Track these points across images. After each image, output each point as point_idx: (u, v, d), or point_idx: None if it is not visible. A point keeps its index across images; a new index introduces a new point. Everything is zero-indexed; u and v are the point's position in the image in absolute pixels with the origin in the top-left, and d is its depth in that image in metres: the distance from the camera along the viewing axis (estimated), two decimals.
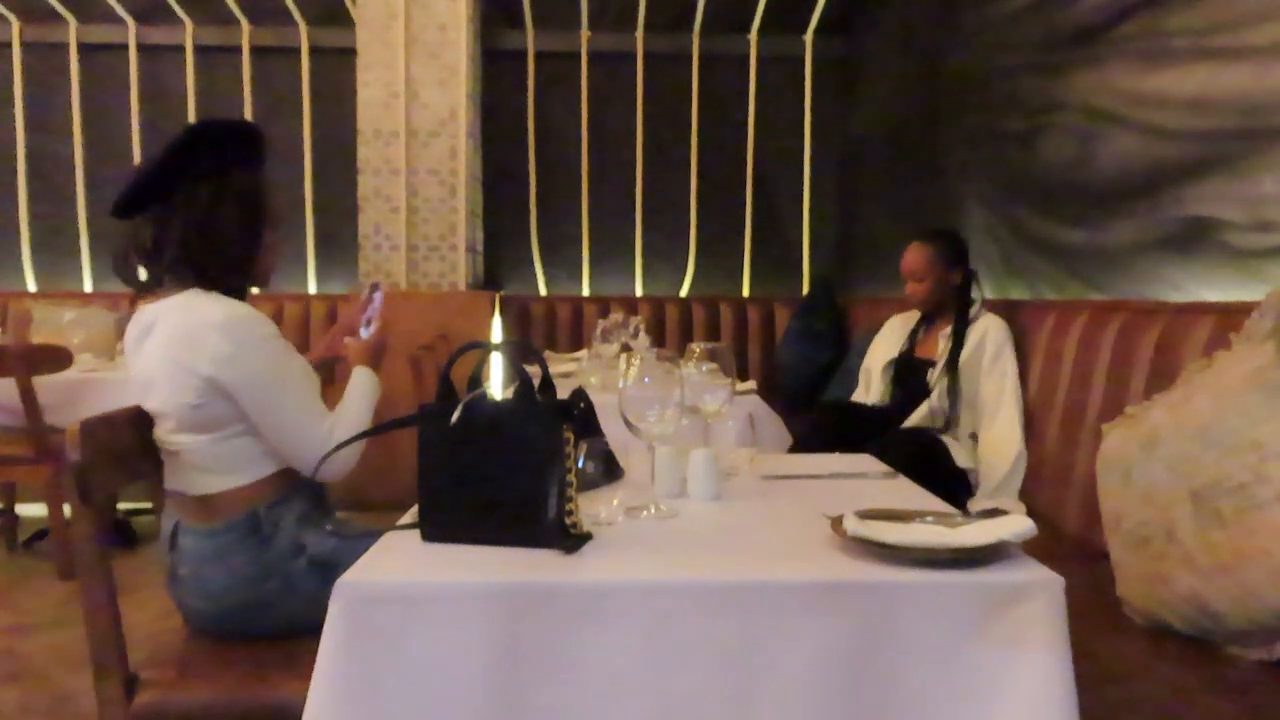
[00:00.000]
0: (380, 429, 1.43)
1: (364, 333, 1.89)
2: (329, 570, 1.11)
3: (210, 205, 1.62)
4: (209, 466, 1.62)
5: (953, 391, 2.75)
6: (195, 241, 1.62)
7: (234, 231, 1.65)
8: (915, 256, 2.90)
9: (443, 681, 1.07)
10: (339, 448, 1.56)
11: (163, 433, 1.63)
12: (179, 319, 1.59)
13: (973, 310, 2.83)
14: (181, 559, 1.63)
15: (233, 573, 1.61)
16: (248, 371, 1.58)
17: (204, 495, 1.63)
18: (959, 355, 2.76)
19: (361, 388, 1.76)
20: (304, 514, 1.68)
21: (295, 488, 1.68)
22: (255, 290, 1.83)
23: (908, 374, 2.97)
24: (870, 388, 3.10)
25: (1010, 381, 2.66)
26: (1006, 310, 2.91)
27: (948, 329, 2.85)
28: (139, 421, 1.64)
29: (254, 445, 1.64)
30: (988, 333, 2.75)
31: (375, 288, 1.93)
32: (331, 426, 1.64)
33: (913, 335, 3.02)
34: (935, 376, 2.81)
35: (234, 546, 1.61)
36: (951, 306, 2.87)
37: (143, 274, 1.67)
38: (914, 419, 2.80)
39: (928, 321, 3.00)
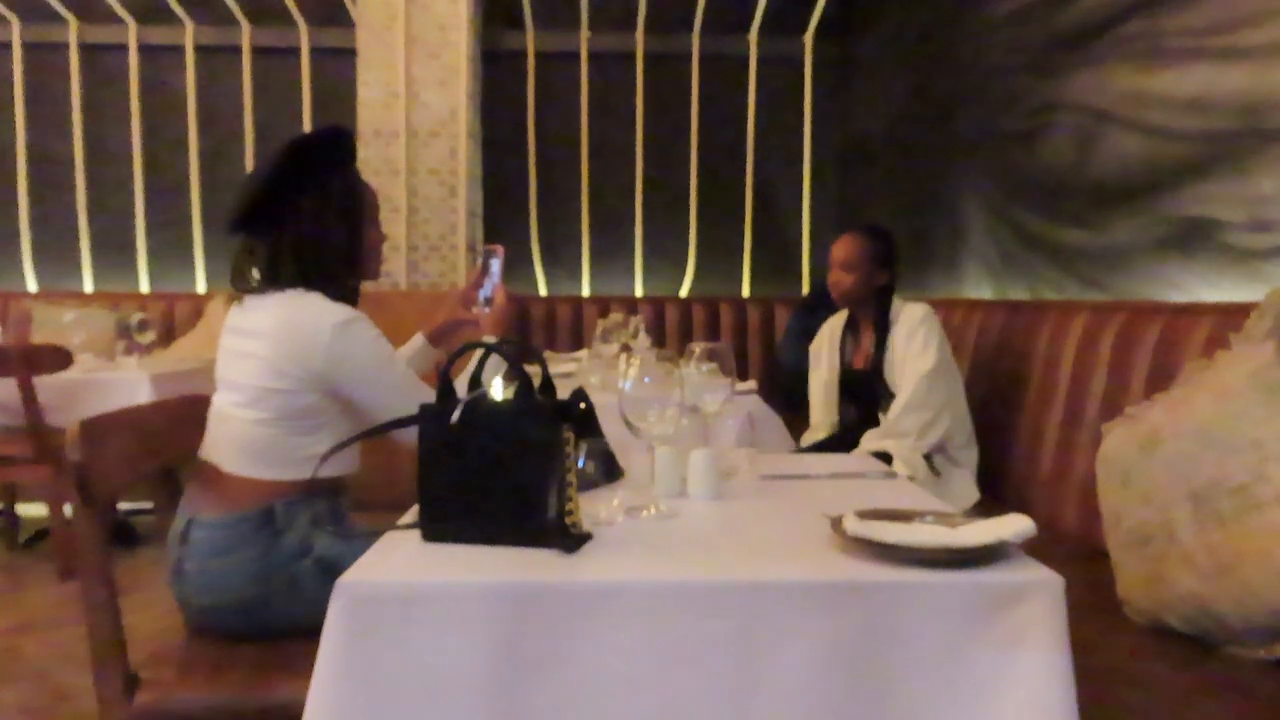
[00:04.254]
0: (380, 429, 1.43)
1: (482, 296, 1.99)
2: (334, 573, 1.11)
3: (315, 218, 1.72)
4: (253, 448, 1.65)
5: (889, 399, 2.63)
6: (308, 254, 1.70)
7: (340, 236, 1.75)
8: (849, 246, 2.77)
9: (443, 681, 1.07)
10: (337, 448, 1.53)
11: (227, 403, 1.68)
12: (294, 313, 1.66)
13: (891, 312, 2.73)
14: (190, 553, 1.63)
15: (240, 567, 1.61)
16: (360, 370, 1.66)
17: (231, 475, 1.66)
18: (882, 359, 2.67)
19: None
20: (318, 516, 1.69)
21: (316, 491, 1.69)
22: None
23: (855, 389, 2.84)
24: (814, 410, 2.95)
25: (927, 364, 2.55)
26: (1007, 310, 2.91)
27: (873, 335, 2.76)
28: (141, 420, 1.64)
29: (309, 447, 1.65)
30: (900, 317, 2.67)
31: (490, 254, 1.98)
32: None
33: (842, 346, 2.91)
34: (883, 393, 2.69)
35: (246, 539, 1.62)
36: (871, 311, 2.77)
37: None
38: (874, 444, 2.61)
39: (853, 328, 2.89)
